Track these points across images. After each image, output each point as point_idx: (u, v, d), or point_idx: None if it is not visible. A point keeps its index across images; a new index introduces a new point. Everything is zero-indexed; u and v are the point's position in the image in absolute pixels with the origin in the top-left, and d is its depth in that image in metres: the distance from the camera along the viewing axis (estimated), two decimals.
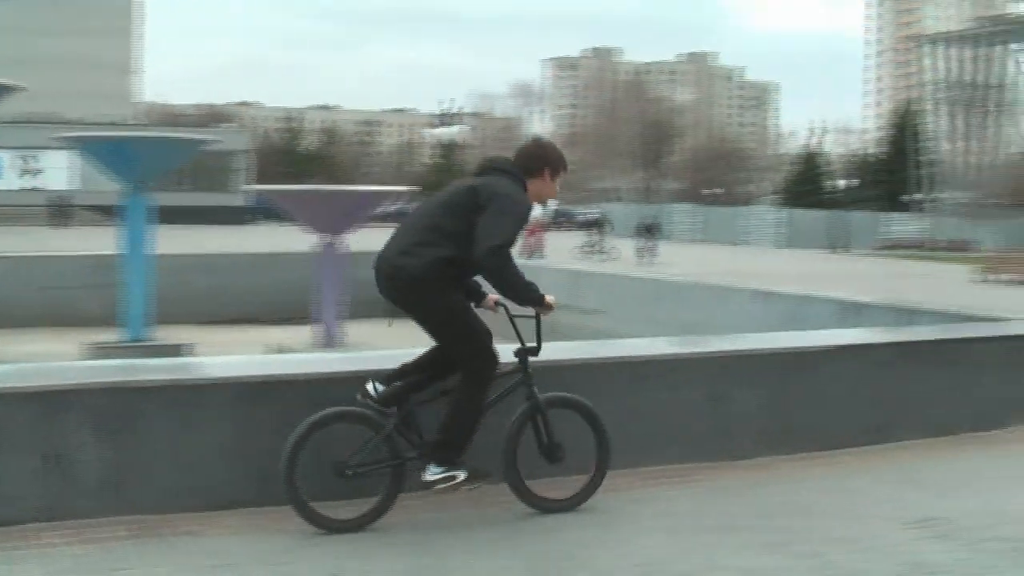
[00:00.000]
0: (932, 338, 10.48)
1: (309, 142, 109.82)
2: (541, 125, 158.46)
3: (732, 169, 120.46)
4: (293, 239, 25.09)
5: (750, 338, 9.42)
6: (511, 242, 6.62)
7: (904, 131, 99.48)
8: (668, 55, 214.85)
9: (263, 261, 30.99)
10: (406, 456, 6.77)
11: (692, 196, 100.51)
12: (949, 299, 21.41)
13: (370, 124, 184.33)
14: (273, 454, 6.65)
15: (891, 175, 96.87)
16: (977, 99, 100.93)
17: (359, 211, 22.01)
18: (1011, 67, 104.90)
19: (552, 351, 7.75)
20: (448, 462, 6.72)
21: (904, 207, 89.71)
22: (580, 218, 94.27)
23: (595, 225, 51.25)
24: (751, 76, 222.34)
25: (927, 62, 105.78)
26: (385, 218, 65.87)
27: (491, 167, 7.07)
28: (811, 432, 8.78)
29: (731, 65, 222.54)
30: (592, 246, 47.38)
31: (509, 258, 6.60)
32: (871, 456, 8.79)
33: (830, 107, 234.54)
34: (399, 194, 26.26)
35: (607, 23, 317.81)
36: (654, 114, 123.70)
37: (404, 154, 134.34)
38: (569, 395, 7.28)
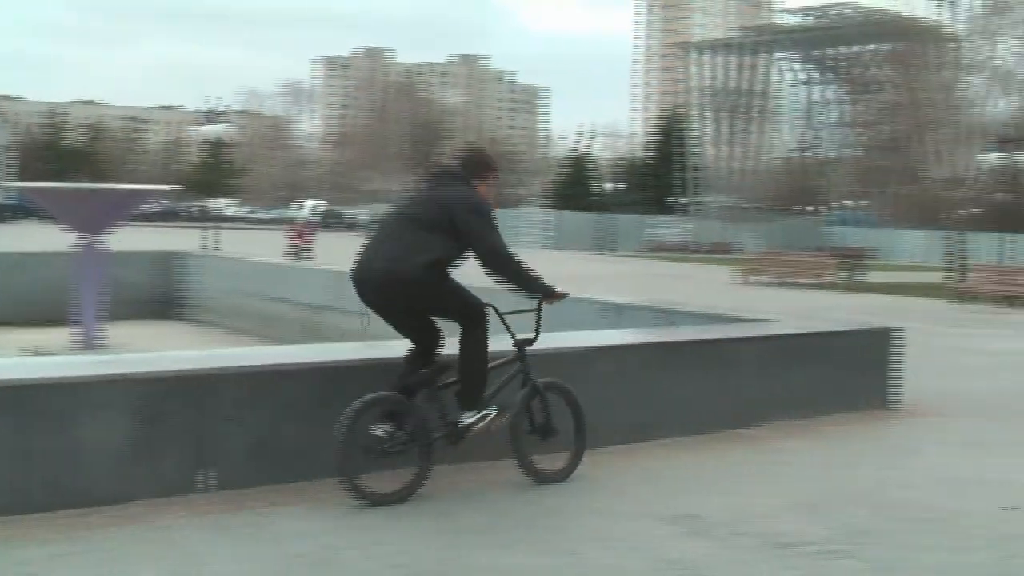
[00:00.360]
0: (692, 338, 10.77)
1: (74, 138, 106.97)
2: (311, 124, 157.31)
3: (502, 171, 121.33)
4: (53, 238, 24.43)
5: (506, 338, 9.49)
6: (503, 241, 7.61)
7: (670, 136, 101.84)
8: (440, 56, 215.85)
9: (21, 260, 30.00)
10: (435, 436, 7.58)
11: None
12: (710, 300, 22.01)
13: (137, 121, 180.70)
14: (20, 461, 6.51)
15: (657, 179, 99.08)
16: (740, 106, 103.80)
17: (120, 210, 21.52)
18: (774, 75, 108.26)
19: (301, 354, 8.03)
20: (476, 405, 7.71)
21: (669, 210, 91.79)
22: (349, 219, 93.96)
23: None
24: (522, 79, 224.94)
25: (693, 69, 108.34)
26: (149, 217, 64.48)
27: (446, 175, 7.93)
28: None
29: (502, 68, 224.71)
30: None
31: (512, 256, 7.63)
32: (632, 454, 8.98)
33: (599, 110, 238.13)
34: (162, 192, 25.77)
35: (379, 23, 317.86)
36: (425, 115, 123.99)
37: (171, 152, 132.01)
38: (559, 381, 8.28)
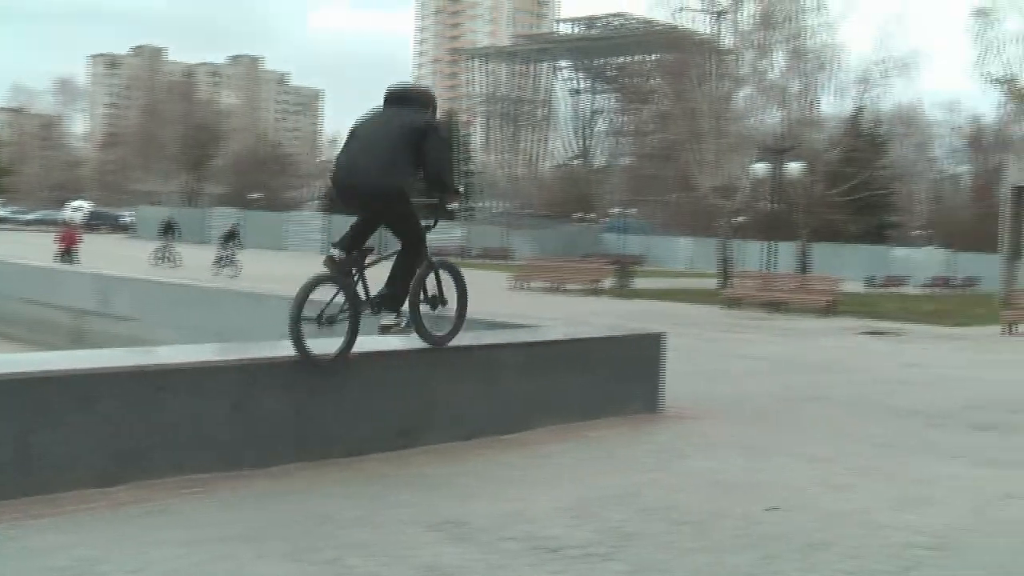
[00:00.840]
0: (459, 344, 10.69)
1: None
2: (83, 123, 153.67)
3: (277, 174, 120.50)
4: None
5: (277, 345, 9.36)
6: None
7: (449, 141, 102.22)
8: (217, 57, 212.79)
9: None
10: (362, 308, 8.92)
11: (237, 201, 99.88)
12: (484, 305, 22.04)
13: None
14: None
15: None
16: (518, 113, 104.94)
17: None
18: (550, 83, 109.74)
19: (60, 361, 7.92)
20: (396, 311, 9.17)
21: (448, 215, 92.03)
22: (123, 220, 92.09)
23: (168, 231, 50.08)
24: (301, 81, 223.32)
25: (472, 75, 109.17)
26: None
27: (407, 98, 9.25)
28: (338, 438, 8.80)
29: (280, 69, 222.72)
30: (163, 251, 46.63)
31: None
32: (397, 461, 8.89)
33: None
34: None
35: (156, 21, 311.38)
36: (200, 117, 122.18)
37: None
38: (448, 260, 9.99)
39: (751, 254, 52.77)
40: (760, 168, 47.31)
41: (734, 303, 36.27)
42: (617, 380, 11.72)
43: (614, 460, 9.60)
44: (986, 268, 62.09)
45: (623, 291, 40.72)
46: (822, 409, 13.73)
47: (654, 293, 40.08)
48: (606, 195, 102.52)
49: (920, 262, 74.63)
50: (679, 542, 7.06)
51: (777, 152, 47.20)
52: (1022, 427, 13.04)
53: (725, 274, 46.79)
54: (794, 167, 46.93)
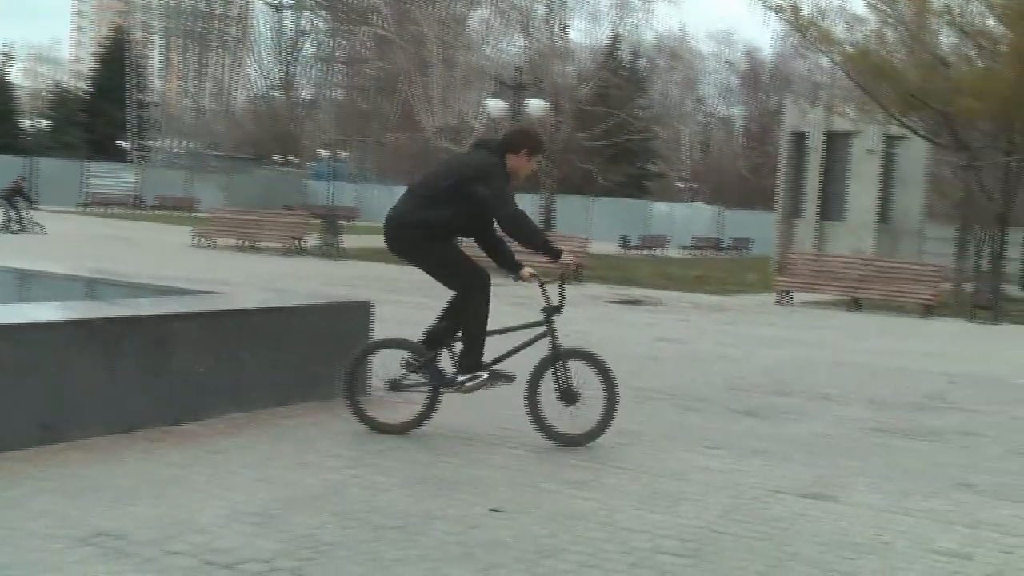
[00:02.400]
0: (117, 315, 10.45)
1: None
2: None
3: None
4: None
5: None
6: (509, 205, 10.48)
7: (117, 64, 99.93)
8: None
9: None
10: (444, 382, 10.50)
11: None
12: (157, 267, 21.77)
13: None
14: None
15: (99, 116, 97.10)
16: (206, 32, 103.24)
17: None
18: None
19: None
20: (472, 369, 10.44)
21: (119, 155, 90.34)
22: None
23: None
24: None
25: None
26: None
27: (477, 145, 11.15)
28: None
29: None
30: None
31: (517, 217, 10.46)
32: (38, 460, 8.69)
33: (27, 28, 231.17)
34: None
35: None
36: None
37: None
38: (584, 348, 10.81)
39: None
40: (496, 106, 47.65)
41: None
42: (317, 358, 11.70)
43: (309, 454, 9.57)
44: (760, 228, 64.29)
45: (331, 251, 40.65)
46: None
47: (368, 253, 40.02)
48: (313, 134, 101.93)
49: (684, 220, 76.65)
50: (383, 551, 7.09)
51: (517, 87, 47.63)
52: (791, 412, 13.51)
53: None
54: (536, 105, 47.44)
